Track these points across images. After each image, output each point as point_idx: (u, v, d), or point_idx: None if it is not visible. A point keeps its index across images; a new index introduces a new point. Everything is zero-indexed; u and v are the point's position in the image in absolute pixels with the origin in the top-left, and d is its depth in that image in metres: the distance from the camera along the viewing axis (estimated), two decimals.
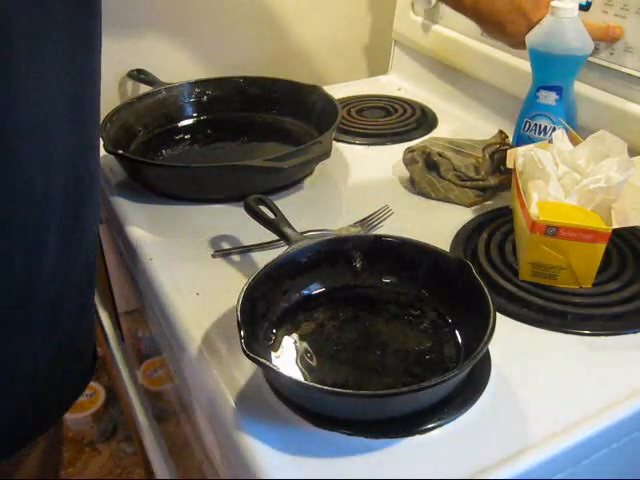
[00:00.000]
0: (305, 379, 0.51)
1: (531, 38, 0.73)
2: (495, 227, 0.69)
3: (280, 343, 0.54)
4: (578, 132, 0.68)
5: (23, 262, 0.54)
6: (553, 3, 0.70)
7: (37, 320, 0.59)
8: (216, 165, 0.76)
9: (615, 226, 0.56)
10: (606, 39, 0.76)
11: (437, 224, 0.72)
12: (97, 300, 0.94)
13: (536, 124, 0.76)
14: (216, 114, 0.96)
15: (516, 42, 0.76)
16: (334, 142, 0.88)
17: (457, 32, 1.00)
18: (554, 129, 0.73)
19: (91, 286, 0.69)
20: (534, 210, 0.58)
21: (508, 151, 0.69)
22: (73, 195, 0.58)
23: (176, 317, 0.60)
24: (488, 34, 0.83)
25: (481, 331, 0.48)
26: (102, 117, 0.83)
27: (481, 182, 0.75)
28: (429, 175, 0.77)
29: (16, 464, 0.71)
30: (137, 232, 0.72)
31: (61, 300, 0.61)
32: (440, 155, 0.76)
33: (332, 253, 0.60)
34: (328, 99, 0.89)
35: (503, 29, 0.75)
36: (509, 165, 0.68)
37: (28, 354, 0.60)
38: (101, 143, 0.79)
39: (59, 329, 0.63)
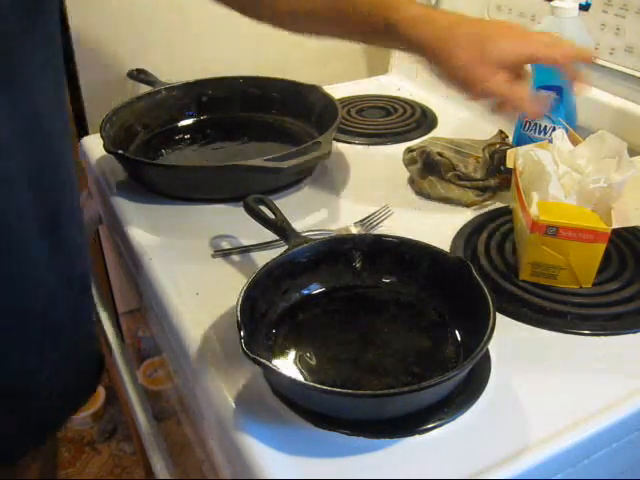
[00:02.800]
0: (305, 379, 0.51)
1: None
2: (495, 227, 0.69)
3: (280, 343, 0.54)
4: (578, 132, 0.68)
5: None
6: (553, 3, 0.70)
7: (34, 335, 0.59)
8: (216, 165, 0.76)
9: (615, 226, 0.56)
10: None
11: (437, 224, 0.72)
12: (97, 300, 0.94)
13: (536, 124, 0.76)
14: (216, 114, 0.96)
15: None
16: (334, 142, 0.88)
17: None
18: (554, 129, 0.73)
19: (86, 294, 0.68)
20: (534, 210, 0.58)
21: (508, 151, 0.69)
22: (46, 209, 0.57)
23: (176, 317, 0.60)
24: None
25: (481, 331, 0.48)
26: (102, 117, 0.83)
27: (481, 182, 0.75)
28: (429, 175, 0.76)
29: (13, 471, 0.71)
30: (137, 232, 0.72)
31: (58, 311, 0.61)
32: (440, 155, 0.76)
33: (332, 253, 0.60)
34: (328, 99, 0.89)
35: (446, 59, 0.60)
36: (509, 165, 0.68)
37: (27, 368, 0.60)
38: (99, 144, 0.79)
39: (58, 343, 0.63)
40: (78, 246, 0.65)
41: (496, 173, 0.76)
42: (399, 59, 1.14)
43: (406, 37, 0.61)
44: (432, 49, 0.60)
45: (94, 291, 0.93)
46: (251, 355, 0.46)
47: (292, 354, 0.53)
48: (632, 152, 0.61)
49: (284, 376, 0.47)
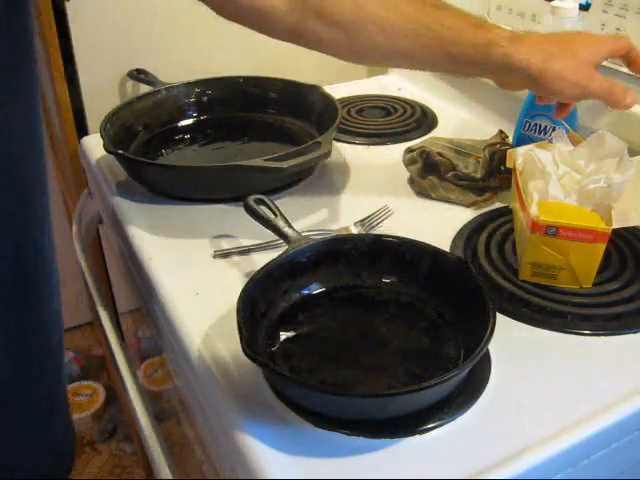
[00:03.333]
0: (305, 379, 0.51)
1: None
2: (495, 227, 0.69)
3: (280, 343, 0.54)
4: (578, 132, 0.68)
5: None
6: (553, 3, 0.70)
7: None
8: (216, 165, 0.76)
9: (615, 226, 0.56)
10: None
11: (437, 224, 0.72)
12: (97, 300, 0.94)
13: (536, 124, 0.76)
14: (216, 114, 0.96)
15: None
16: (334, 142, 0.88)
17: None
18: (554, 129, 0.73)
19: (59, 375, 0.67)
20: (534, 210, 0.58)
21: (508, 151, 0.69)
22: (21, 275, 0.57)
23: (176, 317, 0.60)
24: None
25: (481, 331, 0.48)
26: (102, 117, 0.83)
27: (481, 182, 0.75)
28: (429, 175, 0.77)
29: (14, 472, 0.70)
30: (137, 232, 0.72)
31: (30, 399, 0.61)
32: (440, 155, 0.76)
33: (332, 253, 0.60)
34: (328, 99, 0.89)
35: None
36: (509, 165, 0.68)
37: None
38: (99, 144, 0.79)
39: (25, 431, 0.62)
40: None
41: (496, 173, 0.76)
42: None
43: (508, 57, 0.60)
44: (534, 69, 0.60)
45: (94, 291, 0.93)
46: (251, 355, 0.46)
47: (292, 354, 0.53)
48: (632, 152, 0.61)
49: (284, 376, 0.47)
